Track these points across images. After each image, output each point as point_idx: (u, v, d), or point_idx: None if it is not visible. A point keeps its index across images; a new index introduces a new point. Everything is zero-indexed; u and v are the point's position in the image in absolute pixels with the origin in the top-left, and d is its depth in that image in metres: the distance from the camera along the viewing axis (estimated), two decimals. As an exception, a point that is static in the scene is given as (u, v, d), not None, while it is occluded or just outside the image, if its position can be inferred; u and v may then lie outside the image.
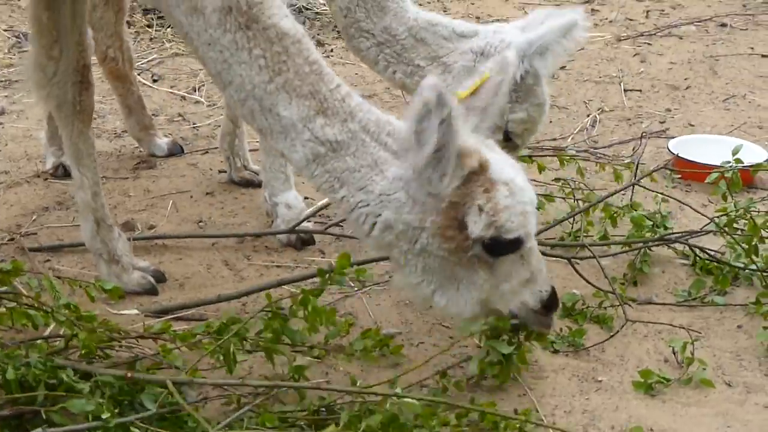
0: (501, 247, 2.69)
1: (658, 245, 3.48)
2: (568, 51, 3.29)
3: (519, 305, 2.77)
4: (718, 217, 3.43)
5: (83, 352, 2.60)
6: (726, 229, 3.35)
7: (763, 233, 3.30)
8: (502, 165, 2.70)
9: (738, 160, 3.44)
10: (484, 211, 2.61)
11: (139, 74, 5.15)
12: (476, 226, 2.61)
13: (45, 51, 3.10)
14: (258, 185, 3.90)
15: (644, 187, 3.66)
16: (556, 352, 2.98)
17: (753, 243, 3.28)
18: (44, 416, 2.35)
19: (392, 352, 2.85)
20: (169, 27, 6.14)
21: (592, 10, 6.44)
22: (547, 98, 3.33)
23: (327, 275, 2.70)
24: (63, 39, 3.09)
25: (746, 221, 3.33)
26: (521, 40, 3.20)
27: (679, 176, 4.04)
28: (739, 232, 3.38)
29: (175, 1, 2.66)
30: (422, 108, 2.50)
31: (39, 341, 2.65)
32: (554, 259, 3.42)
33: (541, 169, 3.82)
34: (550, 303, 2.82)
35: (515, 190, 2.66)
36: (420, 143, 2.55)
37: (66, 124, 3.16)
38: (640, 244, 3.46)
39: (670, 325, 3.05)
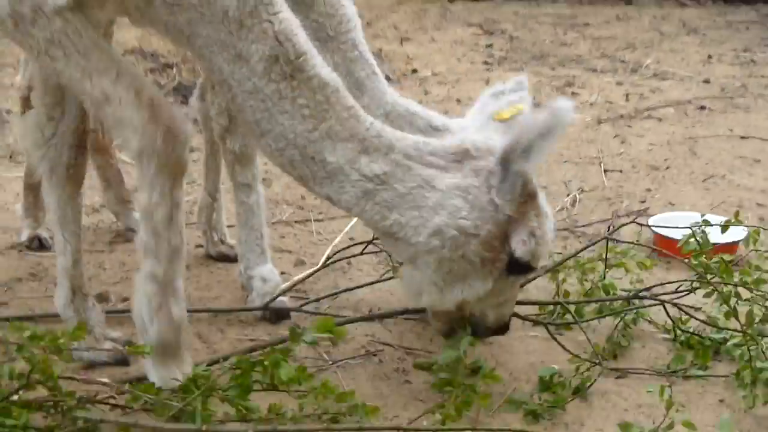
0: (519, 268, 2.86)
1: (635, 308, 3.50)
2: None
3: (484, 315, 2.99)
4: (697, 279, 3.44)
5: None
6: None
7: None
8: (543, 197, 2.88)
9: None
10: (535, 236, 2.77)
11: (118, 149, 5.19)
12: (522, 247, 2.78)
13: (47, 111, 3.10)
14: (234, 260, 3.87)
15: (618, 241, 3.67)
16: (535, 419, 2.93)
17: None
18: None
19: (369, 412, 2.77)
20: None
21: (573, 93, 6.56)
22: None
23: (299, 336, 2.73)
24: (66, 101, 3.09)
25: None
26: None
27: (657, 253, 4.07)
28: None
29: (217, 48, 2.68)
30: (551, 123, 2.64)
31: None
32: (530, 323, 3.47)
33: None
34: (502, 328, 3.08)
35: (551, 226, 2.88)
36: (526, 151, 2.66)
37: (56, 188, 3.12)
38: (620, 302, 3.50)
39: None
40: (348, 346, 3.31)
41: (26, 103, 4.00)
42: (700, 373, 3.18)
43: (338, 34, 3.33)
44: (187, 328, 2.89)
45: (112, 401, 2.71)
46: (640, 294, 3.52)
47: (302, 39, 2.73)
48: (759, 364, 3.08)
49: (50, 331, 2.67)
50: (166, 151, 2.67)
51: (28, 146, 3.21)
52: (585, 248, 3.84)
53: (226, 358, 3.10)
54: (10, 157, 5.23)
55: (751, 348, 3.16)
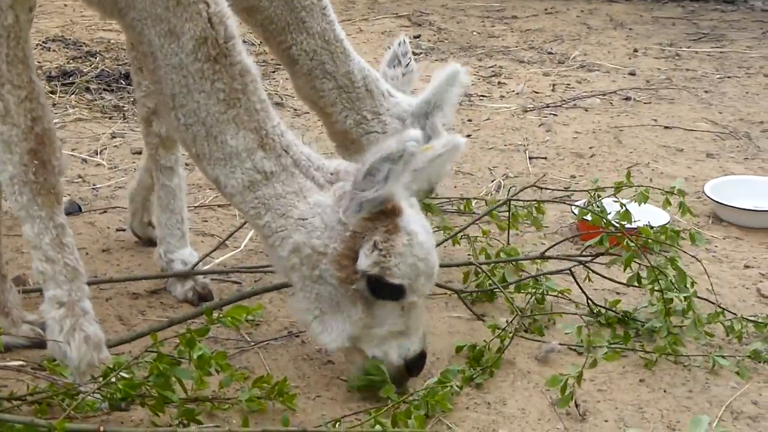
0: (382, 289, 2.81)
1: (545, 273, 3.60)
2: (458, 98, 3.53)
3: (381, 353, 2.89)
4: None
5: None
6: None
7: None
8: (414, 220, 2.85)
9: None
10: (377, 248, 2.74)
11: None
12: (365, 260, 2.75)
13: None
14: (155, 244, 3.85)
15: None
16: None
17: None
18: None
19: (286, 400, 2.79)
20: (73, 94, 6.13)
21: (499, 83, 6.59)
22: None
23: (215, 313, 2.74)
24: None
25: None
26: (420, 102, 3.45)
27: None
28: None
29: (151, 21, 2.69)
30: (395, 152, 2.68)
31: None
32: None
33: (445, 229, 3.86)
34: (412, 364, 2.94)
35: (414, 243, 2.80)
36: (370, 176, 2.72)
37: None
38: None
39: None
40: (270, 327, 3.32)
41: None
42: (620, 347, 3.22)
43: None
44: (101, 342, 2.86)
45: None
46: (546, 254, 3.66)
47: (233, 25, 2.75)
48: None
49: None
50: (38, 180, 2.71)
51: None
52: (487, 213, 3.96)
53: (142, 335, 3.11)
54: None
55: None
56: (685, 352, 3.23)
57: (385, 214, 2.79)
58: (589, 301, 3.51)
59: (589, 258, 3.63)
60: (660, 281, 3.34)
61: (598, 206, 3.70)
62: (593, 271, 3.59)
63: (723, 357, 3.16)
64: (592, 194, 3.79)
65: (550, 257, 3.68)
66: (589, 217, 3.98)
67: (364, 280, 2.79)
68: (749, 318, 3.37)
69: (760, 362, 3.21)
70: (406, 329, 2.89)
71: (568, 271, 3.60)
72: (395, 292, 2.83)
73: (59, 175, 2.76)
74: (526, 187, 4.18)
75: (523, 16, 9.02)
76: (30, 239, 2.78)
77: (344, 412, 2.83)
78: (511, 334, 3.17)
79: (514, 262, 3.70)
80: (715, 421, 2.86)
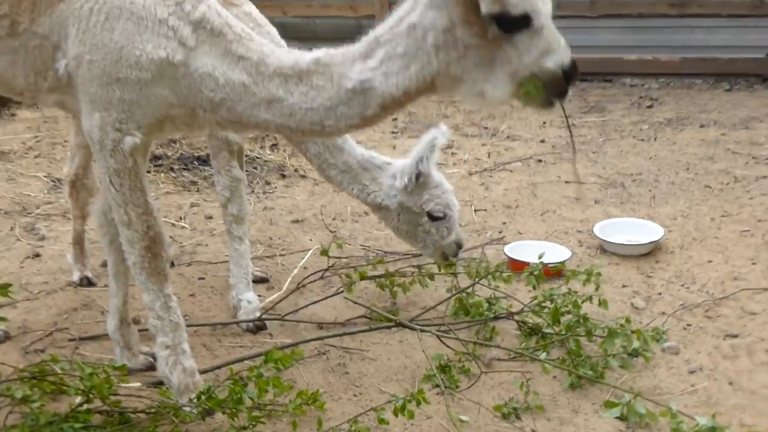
0: (510, 22, 2.26)
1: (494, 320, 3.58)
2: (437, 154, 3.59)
3: (537, 68, 2.32)
4: (532, 301, 3.55)
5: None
6: (538, 307, 3.50)
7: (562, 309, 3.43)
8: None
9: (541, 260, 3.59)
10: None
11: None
12: (484, 3, 2.23)
13: (106, 202, 2.94)
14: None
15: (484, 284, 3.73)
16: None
17: (557, 316, 3.41)
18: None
19: (318, 406, 2.85)
20: (162, 172, 6.11)
21: (452, 153, 6.58)
22: (441, 179, 3.65)
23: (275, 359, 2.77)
24: None
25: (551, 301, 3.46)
26: (412, 159, 3.50)
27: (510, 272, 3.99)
28: (546, 310, 3.47)
29: (257, 106, 2.50)
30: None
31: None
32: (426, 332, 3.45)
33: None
34: (570, 70, 2.37)
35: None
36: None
37: (113, 253, 3.09)
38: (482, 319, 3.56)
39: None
40: (305, 348, 3.34)
41: (73, 188, 4.00)
42: (541, 356, 3.21)
43: None
44: (195, 371, 2.90)
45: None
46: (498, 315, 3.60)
47: None
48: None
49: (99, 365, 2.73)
50: (151, 266, 2.76)
51: (95, 225, 3.16)
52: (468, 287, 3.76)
53: (220, 367, 3.16)
54: (64, 214, 5.16)
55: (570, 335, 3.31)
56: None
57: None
58: (519, 324, 3.54)
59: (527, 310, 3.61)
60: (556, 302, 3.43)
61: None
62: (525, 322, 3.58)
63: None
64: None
65: (500, 317, 3.63)
66: (515, 256, 4.11)
67: (494, 24, 2.26)
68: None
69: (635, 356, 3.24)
70: (548, 45, 2.31)
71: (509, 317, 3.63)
72: (523, 21, 2.27)
73: (166, 262, 2.81)
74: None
75: None
76: (147, 304, 2.84)
77: (358, 410, 2.87)
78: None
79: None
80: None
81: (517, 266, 3.97)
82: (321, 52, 2.47)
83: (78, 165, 3.96)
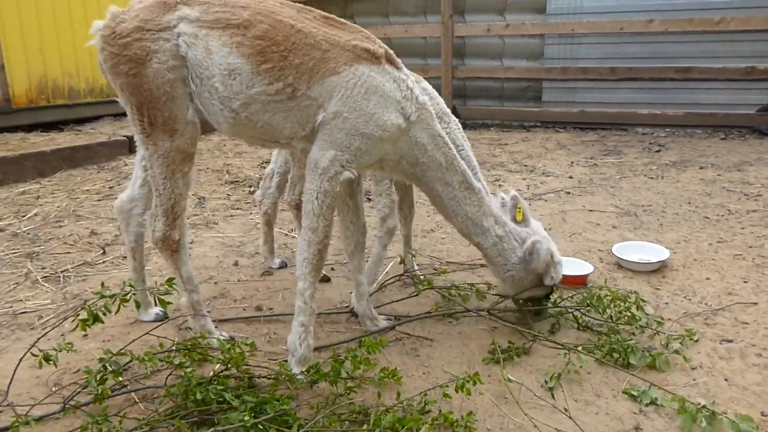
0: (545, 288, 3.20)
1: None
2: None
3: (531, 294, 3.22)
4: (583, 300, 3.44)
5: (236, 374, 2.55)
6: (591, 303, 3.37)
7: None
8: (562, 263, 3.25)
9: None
10: (553, 278, 3.16)
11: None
12: (548, 279, 3.18)
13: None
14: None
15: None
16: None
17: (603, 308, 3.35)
18: (215, 421, 2.35)
19: (396, 380, 2.84)
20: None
21: (499, 185, 6.48)
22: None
23: (367, 345, 2.79)
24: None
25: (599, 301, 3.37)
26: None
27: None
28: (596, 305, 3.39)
29: (436, 179, 2.92)
30: (541, 257, 3.11)
31: (211, 373, 2.59)
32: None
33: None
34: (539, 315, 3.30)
35: (560, 270, 3.22)
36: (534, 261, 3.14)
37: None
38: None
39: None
40: (387, 335, 3.33)
41: (296, 209, 3.98)
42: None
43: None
44: (312, 348, 2.90)
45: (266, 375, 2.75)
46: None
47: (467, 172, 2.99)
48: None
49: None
50: (318, 265, 2.82)
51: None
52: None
53: (329, 346, 3.14)
54: (206, 224, 5.29)
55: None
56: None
57: (548, 265, 3.16)
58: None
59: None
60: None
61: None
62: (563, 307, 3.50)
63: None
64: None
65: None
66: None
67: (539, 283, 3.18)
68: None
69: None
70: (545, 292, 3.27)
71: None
72: (547, 289, 3.25)
73: (323, 262, 2.87)
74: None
75: (510, 142, 9.00)
76: (300, 290, 2.82)
77: (426, 385, 2.83)
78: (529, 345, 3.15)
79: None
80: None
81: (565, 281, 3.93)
82: (484, 189, 3.09)
83: (299, 191, 3.94)
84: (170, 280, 2.59)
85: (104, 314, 2.43)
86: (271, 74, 2.54)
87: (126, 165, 7.12)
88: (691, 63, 8.81)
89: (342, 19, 2.78)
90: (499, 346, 3.08)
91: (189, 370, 2.50)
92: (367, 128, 2.59)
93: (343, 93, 2.57)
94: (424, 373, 2.97)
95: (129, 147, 7.51)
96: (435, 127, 2.83)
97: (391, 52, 2.73)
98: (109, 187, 6.26)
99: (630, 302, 3.39)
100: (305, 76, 2.56)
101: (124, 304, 2.57)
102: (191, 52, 2.56)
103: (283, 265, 4.30)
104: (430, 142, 2.82)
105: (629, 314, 3.33)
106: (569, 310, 3.41)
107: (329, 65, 2.55)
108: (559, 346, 3.13)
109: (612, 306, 3.38)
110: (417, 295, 3.73)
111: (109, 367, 2.50)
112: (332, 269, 4.29)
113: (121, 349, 2.65)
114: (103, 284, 2.70)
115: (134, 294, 2.51)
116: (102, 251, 4.52)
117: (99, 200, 5.88)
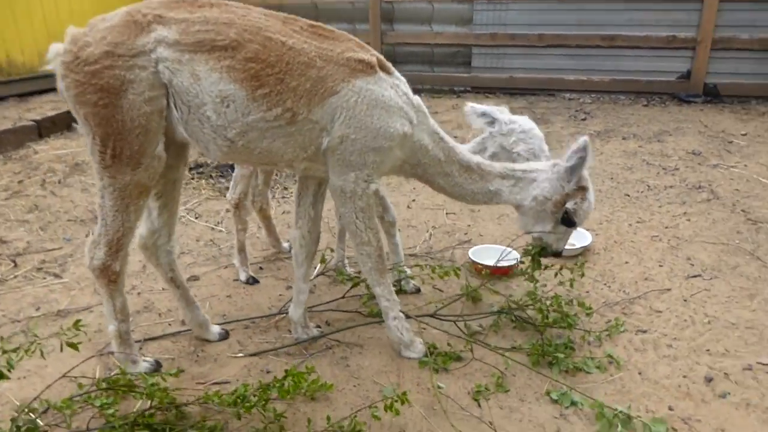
0: (568, 222, 3.05)
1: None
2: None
3: (549, 243, 3.14)
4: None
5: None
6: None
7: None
8: (591, 192, 3.02)
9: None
10: (578, 204, 3.00)
11: (186, 213, 5.05)
12: (572, 206, 3.00)
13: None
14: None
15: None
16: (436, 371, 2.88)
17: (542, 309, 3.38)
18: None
19: (327, 390, 2.85)
20: (202, 179, 5.95)
21: None
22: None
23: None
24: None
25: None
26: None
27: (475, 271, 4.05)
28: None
29: (436, 174, 2.96)
30: (581, 149, 2.89)
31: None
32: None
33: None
34: (557, 254, 3.20)
35: (592, 203, 3.04)
36: (572, 167, 2.92)
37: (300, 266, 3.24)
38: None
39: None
40: (317, 344, 3.30)
41: (237, 208, 4.01)
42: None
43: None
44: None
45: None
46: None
47: (466, 154, 3.03)
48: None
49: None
50: (379, 267, 2.98)
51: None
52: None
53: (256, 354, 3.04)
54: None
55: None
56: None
57: (582, 187, 2.98)
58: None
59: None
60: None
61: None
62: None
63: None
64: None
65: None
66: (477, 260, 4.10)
67: (563, 215, 3.01)
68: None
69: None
70: (561, 238, 3.13)
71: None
72: (572, 225, 3.07)
73: (384, 260, 3.01)
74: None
75: (442, 110, 8.82)
76: (378, 294, 3.03)
77: (357, 400, 2.80)
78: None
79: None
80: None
81: (477, 268, 4.02)
82: (482, 160, 3.04)
83: (240, 191, 3.97)
84: (77, 322, 2.46)
85: (9, 370, 2.27)
86: (269, 99, 2.45)
87: (36, 153, 6.53)
88: (616, 31, 8.99)
89: (328, 27, 2.68)
90: (431, 352, 3.09)
91: (110, 411, 2.40)
92: (376, 143, 2.62)
93: (345, 114, 2.56)
94: (354, 386, 2.96)
95: (38, 132, 6.99)
96: (431, 125, 2.89)
97: (383, 57, 2.71)
98: (19, 182, 5.64)
99: (561, 299, 3.45)
100: (304, 99, 2.50)
101: (29, 355, 2.34)
102: (176, 79, 2.36)
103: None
104: (430, 142, 2.88)
105: (562, 312, 3.38)
106: (507, 312, 3.44)
107: (327, 84, 2.51)
108: (498, 351, 3.15)
109: (546, 304, 3.40)
110: (345, 293, 3.68)
111: (22, 428, 2.31)
112: (260, 268, 4.21)
113: (38, 395, 2.53)
114: (2, 339, 2.50)
115: (39, 344, 2.36)
116: (13, 263, 4.03)
117: (7, 198, 5.20)
